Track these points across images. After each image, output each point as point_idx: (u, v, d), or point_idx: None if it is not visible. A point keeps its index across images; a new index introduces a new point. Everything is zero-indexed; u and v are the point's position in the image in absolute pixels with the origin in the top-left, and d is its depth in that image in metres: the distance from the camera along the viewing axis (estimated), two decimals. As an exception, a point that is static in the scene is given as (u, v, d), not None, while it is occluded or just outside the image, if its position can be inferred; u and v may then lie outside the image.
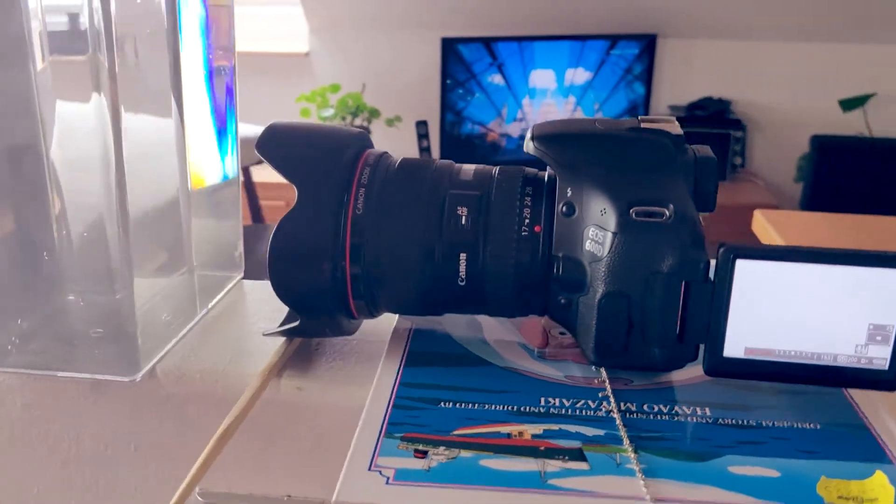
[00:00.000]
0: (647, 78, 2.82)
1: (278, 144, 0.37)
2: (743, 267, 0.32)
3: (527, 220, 0.35)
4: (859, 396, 0.34)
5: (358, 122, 2.68)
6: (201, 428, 0.37)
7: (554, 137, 0.36)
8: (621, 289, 0.33)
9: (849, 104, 2.71)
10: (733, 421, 0.33)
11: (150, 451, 0.38)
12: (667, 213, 0.33)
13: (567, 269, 0.34)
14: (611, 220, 0.33)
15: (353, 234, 0.35)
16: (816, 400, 0.34)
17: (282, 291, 0.36)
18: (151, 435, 0.38)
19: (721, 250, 0.32)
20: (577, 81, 2.77)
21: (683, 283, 0.33)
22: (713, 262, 0.33)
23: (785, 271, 0.32)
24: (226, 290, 0.47)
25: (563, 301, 0.36)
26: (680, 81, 2.88)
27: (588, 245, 0.34)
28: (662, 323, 0.33)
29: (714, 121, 2.81)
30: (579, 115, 2.82)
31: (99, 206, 0.36)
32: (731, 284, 0.32)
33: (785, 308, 0.33)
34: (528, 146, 0.36)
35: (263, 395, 0.36)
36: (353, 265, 0.36)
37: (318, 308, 0.36)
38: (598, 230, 0.34)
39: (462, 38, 2.66)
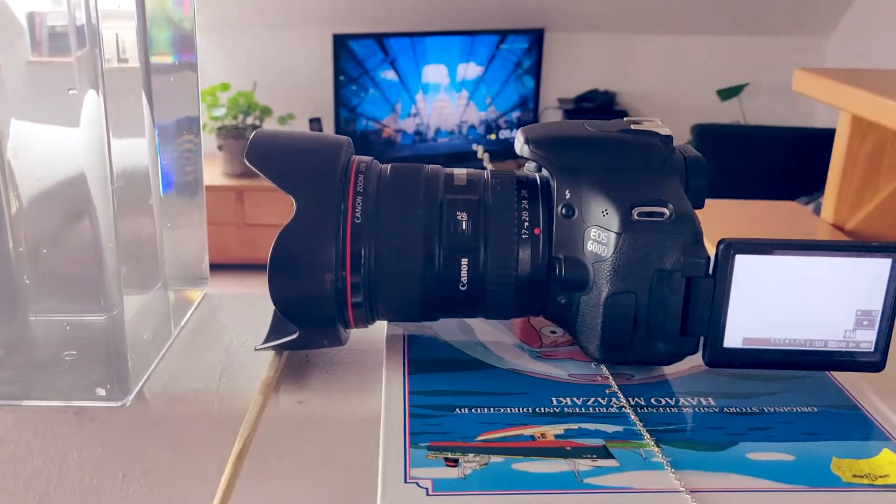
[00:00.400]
0: (537, 71, 2.88)
1: (270, 155, 0.36)
2: (741, 261, 0.34)
3: (526, 223, 0.36)
4: (844, 380, 0.37)
5: (250, 120, 2.62)
6: (201, 450, 0.36)
7: (550, 141, 0.36)
8: (627, 287, 0.34)
9: (726, 93, 2.85)
10: (738, 409, 0.34)
11: (145, 477, 0.36)
12: (667, 212, 0.34)
13: (570, 269, 0.35)
14: (613, 221, 0.34)
15: (352, 243, 0.35)
16: (807, 385, 0.36)
17: (283, 304, 0.35)
18: (145, 461, 0.36)
19: (721, 247, 0.34)
20: (468, 76, 2.80)
21: (685, 278, 0.34)
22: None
23: (780, 264, 0.34)
24: (195, 304, 0.45)
25: (562, 301, 0.36)
26: (568, 75, 2.96)
27: (590, 246, 0.35)
28: (667, 318, 0.34)
29: (601, 112, 2.89)
30: (472, 109, 2.85)
31: (83, 216, 0.34)
32: (731, 279, 0.34)
33: (780, 299, 0.34)
34: (523, 150, 0.37)
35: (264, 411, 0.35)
36: (354, 274, 0.35)
37: (320, 319, 0.36)
38: (600, 231, 0.34)
39: (353, 34, 2.64)
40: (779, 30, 2.88)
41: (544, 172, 0.38)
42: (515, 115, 2.90)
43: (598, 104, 2.91)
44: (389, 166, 0.38)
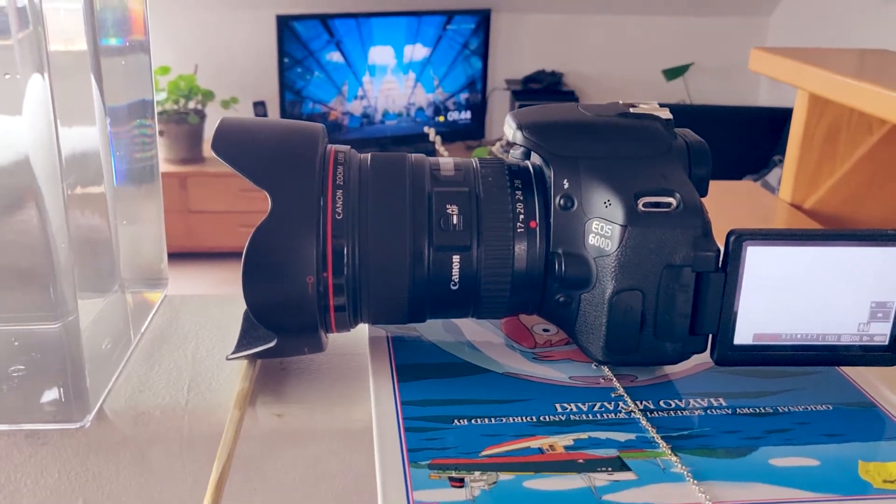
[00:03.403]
0: (484, 52, 2.85)
1: (240, 145, 0.33)
2: (753, 253, 0.32)
3: (521, 216, 0.33)
4: (855, 374, 0.35)
5: (192, 104, 2.55)
6: (172, 473, 0.33)
7: (546, 127, 0.34)
8: (634, 284, 0.32)
9: (671, 73, 2.86)
10: (751, 409, 0.32)
11: (109, 503, 0.33)
12: (674, 202, 0.32)
13: (570, 265, 0.33)
14: (617, 213, 0.31)
15: (334, 241, 0.32)
16: (817, 381, 0.34)
17: (259, 311, 0.32)
18: (109, 486, 0.33)
19: (732, 238, 0.32)
20: (416, 57, 2.76)
21: (695, 273, 0.32)
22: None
23: (792, 254, 0.32)
24: (155, 307, 0.42)
25: (561, 299, 0.34)
26: (515, 55, 2.93)
27: (592, 239, 0.32)
28: (676, 317, 0.32)
29: (549, 93, 2.88)
30: (420, 91, 2.81)
31: (30, 211, 0.30)
32: (742, 272, 0.32)
33: (792, 291, 0.32)
34: (515, 136, 0.34)
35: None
36: (336, 275, 0.32)
37: (300, 326, 0.33)
38: (603, 223, 0.32)
39: (297, 14, 2.58)
40: (721, 10, 2.89)
41: (534, 159, 0.35)
42: (463, 96, 2.87)
43: (545, 85, 2.89)
44: (370, 156, 0.35)
